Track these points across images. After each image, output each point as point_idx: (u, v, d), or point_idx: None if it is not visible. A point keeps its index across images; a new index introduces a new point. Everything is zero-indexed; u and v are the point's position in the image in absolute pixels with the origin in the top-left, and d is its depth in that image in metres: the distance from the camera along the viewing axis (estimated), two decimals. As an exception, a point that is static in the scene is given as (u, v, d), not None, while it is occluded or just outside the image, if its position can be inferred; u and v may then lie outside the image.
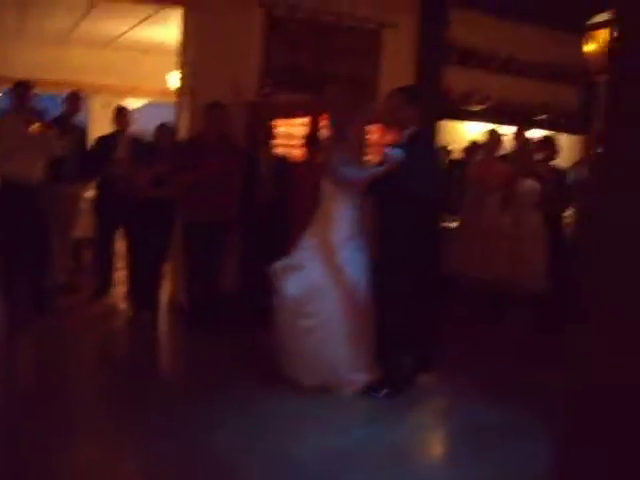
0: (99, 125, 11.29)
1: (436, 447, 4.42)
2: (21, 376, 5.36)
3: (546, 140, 6.98)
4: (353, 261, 4.75)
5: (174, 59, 7.55)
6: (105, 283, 7.16)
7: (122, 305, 6.95)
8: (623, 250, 1.65)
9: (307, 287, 4.68)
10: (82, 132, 7.32)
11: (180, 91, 7.29)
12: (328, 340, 4.63)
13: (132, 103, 11.03)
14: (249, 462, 3.72)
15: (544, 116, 8.45)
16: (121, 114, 7.12)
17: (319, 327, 4.64)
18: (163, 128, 6.47)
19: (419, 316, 4.92)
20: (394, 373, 4.73)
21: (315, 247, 4.78)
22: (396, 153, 4.60)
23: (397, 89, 4.94)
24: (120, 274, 7.26)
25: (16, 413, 4.30)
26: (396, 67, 7.49)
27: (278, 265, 4.80)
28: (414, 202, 4.63)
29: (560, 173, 6.71)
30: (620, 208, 1.66)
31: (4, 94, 11.40)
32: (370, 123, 5.24)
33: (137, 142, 6.91)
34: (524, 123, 7.29)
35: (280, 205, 6.24)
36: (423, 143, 4.91)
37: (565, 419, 1.89)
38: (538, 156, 6.81)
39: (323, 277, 4.70)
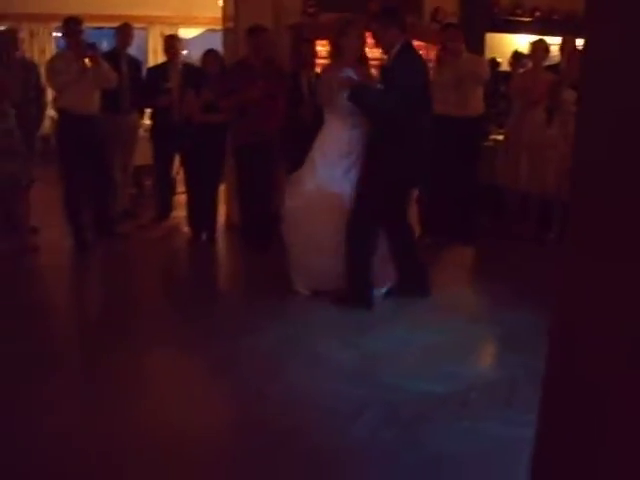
0: (157, 56, 11.55)
1: (469, 348, 4.62)
2: (93, 294, 5.82)
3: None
4: (343, 178, 4.93)
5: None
6: (165, 207, 7.51)
7: (182, 228, 7.30)
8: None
9: (303, 200, 4.95)
10: (136, 63, 7.54)
11: (225, 17, 7.40)
12: (320, 250, 4.91)
13: (188, 33, 11.20)
14: (292, 364, 4.03)
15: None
16: (170, 43, 7.28)
17: (312, 238, 4.92)
18: (210, 54, 6.58)
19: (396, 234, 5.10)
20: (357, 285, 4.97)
21: (312, 162, 5.02)
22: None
23: (376, 15, 5.07)
24: (179, 198, 7.61)
25: (91, 326, 4.77)
26: (441, -21, 7.42)
27: (291, 178, 5.19)
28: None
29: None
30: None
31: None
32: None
33: (187, 70, 7.10)
34: (572, 33, 7.15)
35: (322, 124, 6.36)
36: (407, 58, 4.89)
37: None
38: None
39: (316, 191, 4.93)
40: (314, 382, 3.82)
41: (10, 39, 6.85)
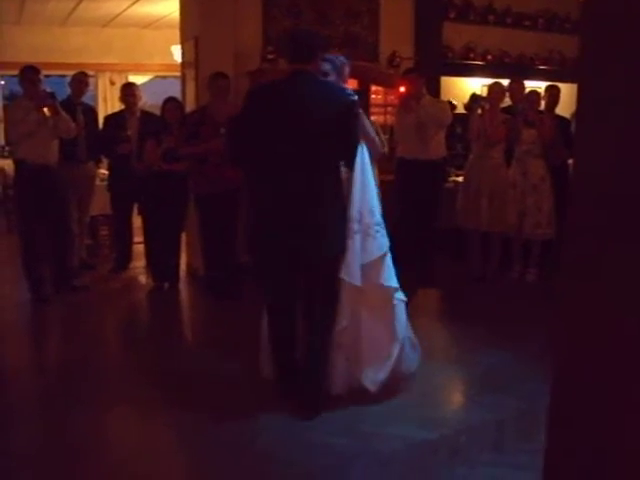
0: (106, 103, 11.48)
1: (450, 391, 4.60)
2: (50, 348, 5.60)
3: (547, 89, 7.05)
4: None
5: (176, 32, 7.63)
6: (124, 258, 7.37)
7: (142, 278, 7.16)
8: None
9: None
10: (92, 112, 7.44)
11: (184, 64, 7.38)
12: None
13: (137, 79, 11.14)
14: (272, 417, 3.92)
15: (545, 66, 8.51)
16: (129, 91, 7.20)
17: None
18: (170, 102, 6.54)
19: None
20: None
21: None
22: None
23: None
24: (138, 248, 7.47)
25: (48, 383, 4.56)
26: (395, 26, 7.57)
27: None
28: None
29: (563, 122, 6.78)
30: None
31: (5, 80, 11.62)
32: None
33: (145, 118, 7.03)
34: (524, 74, 7.36)
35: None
36: None
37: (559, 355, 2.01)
38: (541, 106, 6.89)
39: None
40: (298, 435, 3.71)
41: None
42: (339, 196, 3.89)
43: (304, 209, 3.82)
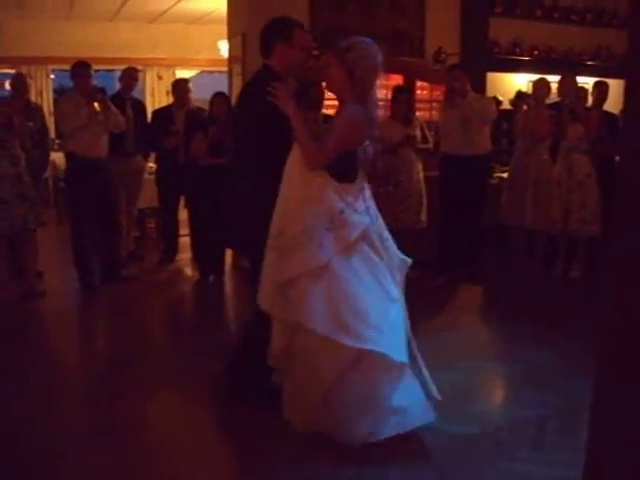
0: (153, 97, 11.67)
1: (492, 387, 4.61)
2: (98, 336, 5.76)
3: (596, 85, 6.99)
4: None
5: (223, 28, 7.72)
6: (171, 250, 7.51)
7: (188, 270, 7.28)
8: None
9: None
10: (140, 106, 7.58)
11: (231, 59, 7.46)
12: None
13: (183, 74, 11.32)
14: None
15: (593, 62, 8.41)
16: (181, 87, 7.31)
17: None
18: (218, 96, 6.63)
19: None
20: None
21: None
22: None
23: None
24: (184, 241, 7.59)
25: (96, 374, 4.70)
26: (441, 21, 7.56)
27: None
28: None
29: (610, 118, 6.71)
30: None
31: (55, 75, 11.87)
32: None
33: (193, 112, 7.13)
34: (572, 70, 7.29)
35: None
36: None
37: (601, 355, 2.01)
38: (588, 102, 6.84)
39: None
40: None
41: (21, 83, 6.86)
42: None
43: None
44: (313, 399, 3.50)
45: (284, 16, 3.98)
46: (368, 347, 3.41)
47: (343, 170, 3.51)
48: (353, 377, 3.43)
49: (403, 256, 3.73)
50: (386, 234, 3.69)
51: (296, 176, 3.51)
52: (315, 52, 6.85)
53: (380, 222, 3.68)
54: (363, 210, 3.55)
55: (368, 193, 3.66)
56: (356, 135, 3.54)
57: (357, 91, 3.50)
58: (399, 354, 3.48)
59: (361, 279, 3.47)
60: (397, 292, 3.61)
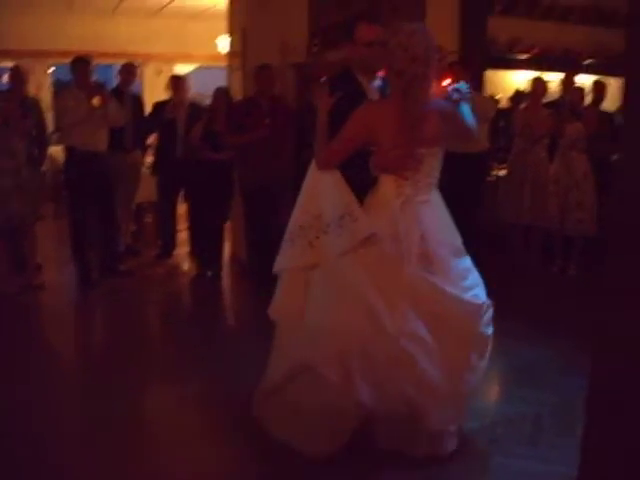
0: (153, 92, 11.66)
1: (490, 383, 4.61)
2: (96, 334, 5.76)
3: (594, 84, 7.01)
4: None
5: (222, 23, 7.73)
6: (169, 244, 7.52)
7: (186, 265, 7.29)
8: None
9: None
10: (139, 101, 7.58)
11: (231, 54, 7.47)
12: None
13: (182, 69, 11.32)
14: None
15: (591, 61, 8.42)
16: (177, 83, 7.31)
17: None
18: (218, 90, 6.65)
19: None
20: None
21: None
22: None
23: None
24: (182, 235, 7.61)
25: (92, 368, 4.73)
26: (441, 19, 7.54)
27: None
28: None
29: (608, 117, 6.74)
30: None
31: (58, 68, 11.86)
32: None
33: (194, 107, 7.14)
34: (571, 69, 7.31)
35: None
36: None
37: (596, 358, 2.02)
38: (586, 101, 6.87)
39: None
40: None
41: (18, 76, 6.86)
42: None
43: None
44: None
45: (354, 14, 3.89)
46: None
47: (356, 172, 3.34)
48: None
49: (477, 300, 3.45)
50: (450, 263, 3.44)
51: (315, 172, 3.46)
52: (316, 49, 6.94)
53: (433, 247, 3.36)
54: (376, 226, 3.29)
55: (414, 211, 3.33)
56: (360, 132, 3.29)
57: (397, 83, 3.24)
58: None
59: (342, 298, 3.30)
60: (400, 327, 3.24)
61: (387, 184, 3.34)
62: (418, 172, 3.32)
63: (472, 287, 3.49)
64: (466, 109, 3.49)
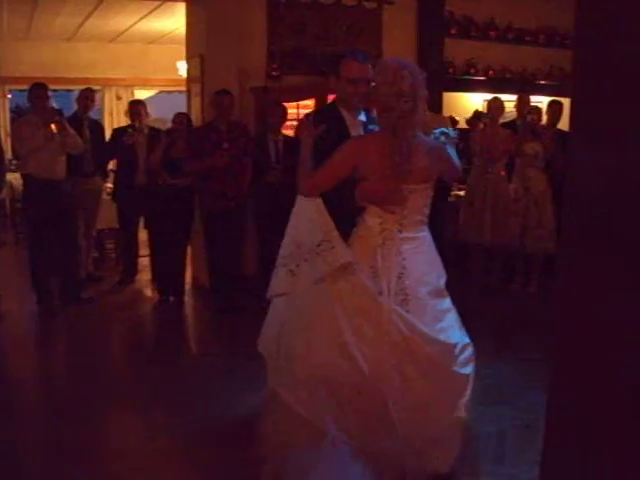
0: (112, 117, 11.62)
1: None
2: (57, 359, 5.67)
3: (550, 105, 7.14)
4: None
5: (182, 48, 7.74)
6: (130, 271, 7.46)
7: (148, 291, 7.23)
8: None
9: None
10: (98, 127, 7.53)
11: (189, 80, 7.48)
12: None
13: (142, 94, 11.29)
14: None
15: (546, 81, 8.60)
16: (136, 108, 7.26)
17: None
18: (180, 116, 6.66)
19: None
20: None
21: None
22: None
23: None
24: (144, 261, 7.55)
25: (54, 396, 4.66)
26: (398, 43, 7.66)
27: None
28: None
29: (563, 136, 6.85)
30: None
31: (12, 94, 11.76)
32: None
33: (154, 133, 7.11)
34: (526, 90, 7.45)
35: (291, 188, 6.39)
36: None
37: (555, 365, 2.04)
38: (542, 120, 6.98)
39: None
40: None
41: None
42: None
43: None
44: None
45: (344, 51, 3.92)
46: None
47: (342, 200, 3.35)
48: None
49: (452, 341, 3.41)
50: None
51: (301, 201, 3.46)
52: (275, 73, 6.99)
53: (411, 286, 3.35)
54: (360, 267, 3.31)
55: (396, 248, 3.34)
56: (347, 164, 3.30)
57: (386, 119, 3.25)
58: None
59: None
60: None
61: (372, 216, 3.36)
62: (405, 208, 3.32)
63: (446, 329, 3.44)
64: (452, 152, 3.52)
